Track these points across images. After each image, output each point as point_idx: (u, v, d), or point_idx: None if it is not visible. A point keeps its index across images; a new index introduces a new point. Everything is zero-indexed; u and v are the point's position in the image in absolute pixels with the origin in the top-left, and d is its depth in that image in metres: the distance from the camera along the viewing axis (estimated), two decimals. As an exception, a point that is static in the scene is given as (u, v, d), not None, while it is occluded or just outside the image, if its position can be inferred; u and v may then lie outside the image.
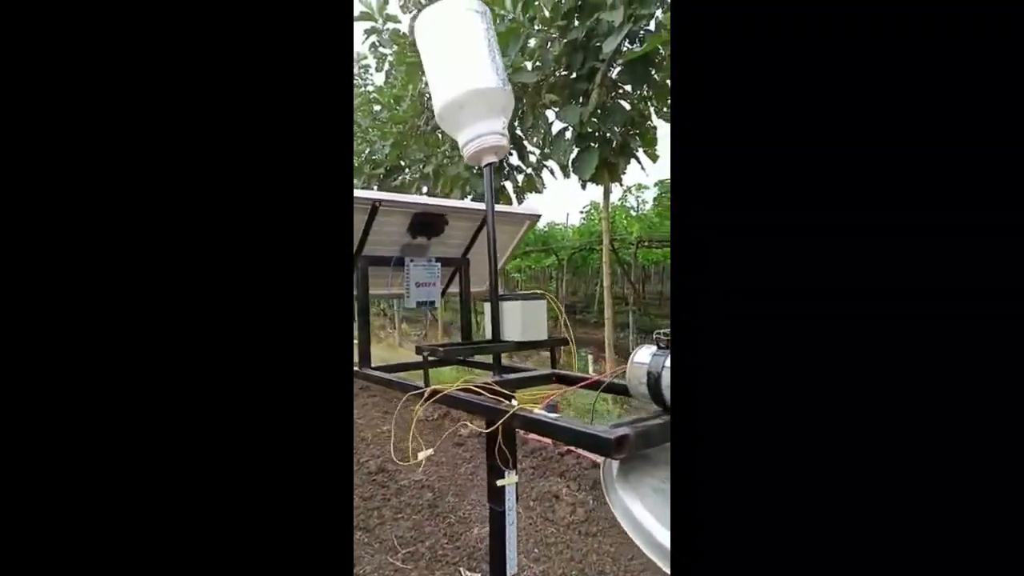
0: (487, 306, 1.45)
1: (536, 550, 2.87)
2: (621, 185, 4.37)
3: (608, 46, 3.62)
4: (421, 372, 1.29)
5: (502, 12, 4.11)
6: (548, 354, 1.45)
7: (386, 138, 5.49)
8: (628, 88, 4.29)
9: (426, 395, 1.23)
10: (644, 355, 0.93)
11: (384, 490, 3.61)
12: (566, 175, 4.61)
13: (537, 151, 5.05)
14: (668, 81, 4.02)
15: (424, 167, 5.25)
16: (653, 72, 3.92)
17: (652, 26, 3.76)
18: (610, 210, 4.95)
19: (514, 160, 4.96)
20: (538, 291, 1.39)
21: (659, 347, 0.91)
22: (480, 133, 1.33)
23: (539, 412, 0.95)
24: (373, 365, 1.59)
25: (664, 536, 0.67)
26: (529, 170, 5.09)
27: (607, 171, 4.27)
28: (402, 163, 5.91)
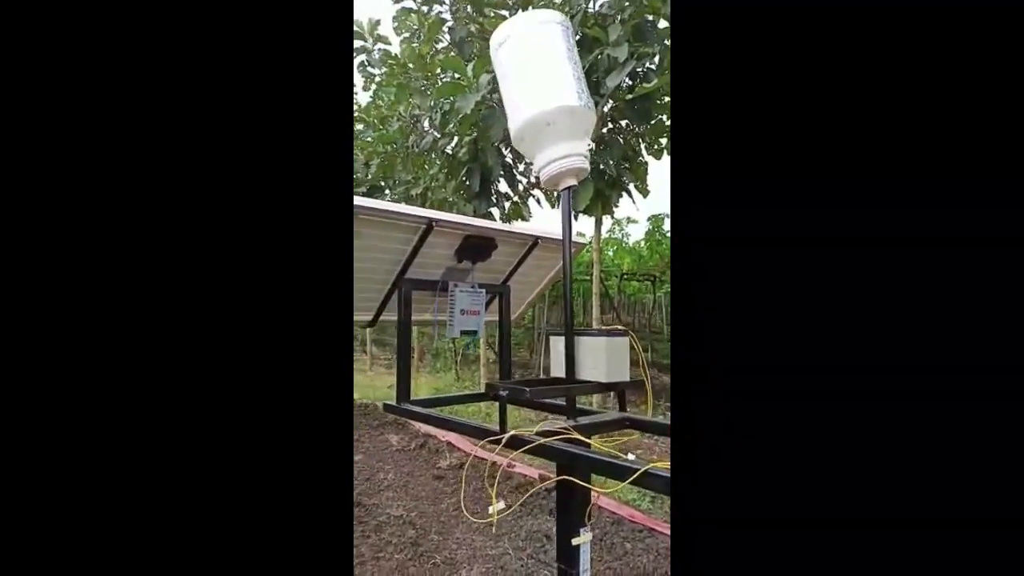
0: (554, 340, 1.33)
1: (530, 596, 2.69)
2: (612, 217, 4.38)
3: (611, 81, 3.64)
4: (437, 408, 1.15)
5: (503, 38, 4.09)
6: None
7: (369, 157, 5.33)
8: (623, 123, 4.35)
9: (504, 441, 1.09)
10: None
11: (362, 526, 3.33)
12: (553, 205, 4.59)
13: (525, 179, 5.03)
14: (664, 118, 4.10)
15: (410, 188, 5.10)
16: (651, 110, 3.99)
17: (655, 64, 3.83)
18: (601, 242, 4.95)
19: (503, 187, 4.90)
20: (618, 327, 1.28)
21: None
22: (565, 154, 1.23)
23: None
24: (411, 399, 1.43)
25: None
26: (516, 198, 5.05)
27: (600, 203, 4.27)
28: (382, 183, 5.74)
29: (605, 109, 4.14)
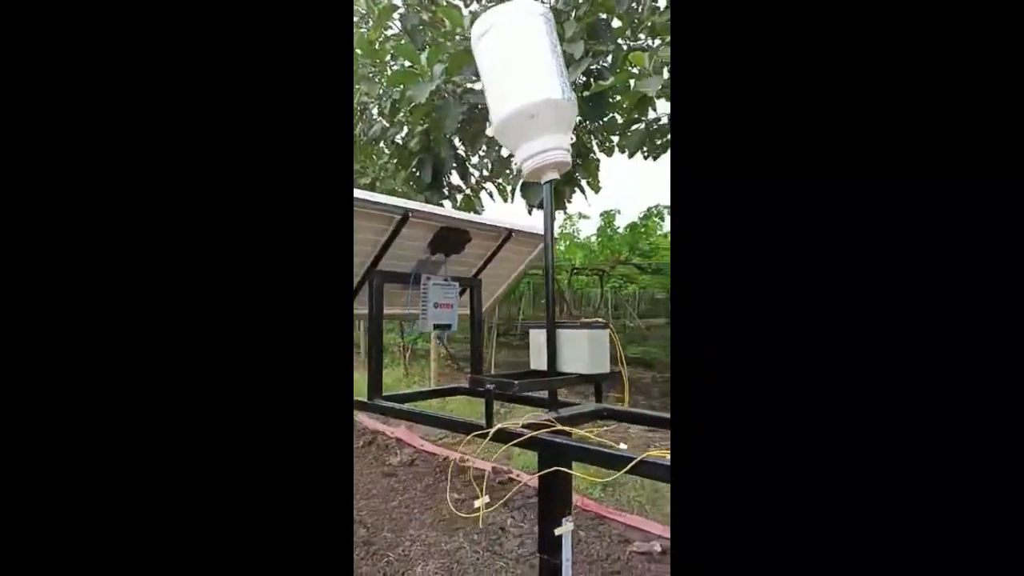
0: (534, 333, 1.33)
1: (488, 588, 2.70)
2: (565, 212, 4.44)
3: (568, 77, 3.69)
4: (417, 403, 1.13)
5: (458, 31, 4.04)
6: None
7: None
8: (578, 120, 4.41)
9: (491, 435, 1.08)
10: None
11: (311, 530, 3.22)
12: (505, 199, 4.59)
13: (478, 172, 5.00)
14: (617, 116, 4.19)
15: (358, 178, 4.95)
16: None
17: (608, 62, 3.90)
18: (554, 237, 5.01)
19: (455, 179, 4.86)
20: (598, 319, 1.30)
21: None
22: (547, 147, 1.23)
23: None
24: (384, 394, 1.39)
25: None
26: (468, 191, 5.02)
27: (554, 198, 4.32)
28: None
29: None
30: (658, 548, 2.96)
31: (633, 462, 0.88)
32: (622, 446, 0.95)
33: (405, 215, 1.38)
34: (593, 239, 9.19)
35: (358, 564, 2.85)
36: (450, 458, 4.23)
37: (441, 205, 4.88)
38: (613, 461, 0.91)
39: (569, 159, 1.28)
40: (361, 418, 5.22)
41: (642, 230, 8.53)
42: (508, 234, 1.67)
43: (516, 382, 1.12)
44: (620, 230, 8.64)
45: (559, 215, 5.32)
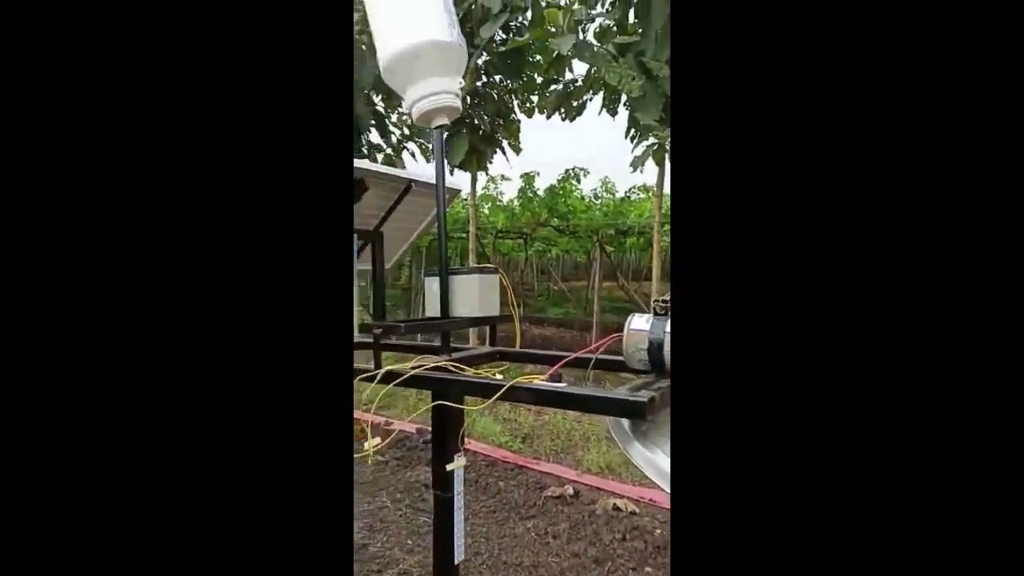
0: (428, 281, 1.34)
1: (409, 541, 2.78)
2: (487, 174, 4.43)
3: (485, 32, 3.62)
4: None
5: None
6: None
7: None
8: (497, 79, 4.36)
9: (379, 377, 1.10)
10: (642, 322, 0.95)
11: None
12: (428, 159, 4.52)
13: (399, 131, 4.86)
14: (535, 76, 4.19)
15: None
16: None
17: (527, 20, 3.86)
18: (476, 199, 4.98)
19: (375, 138, 4.71)
20: (489, 265, 1.33)
21: (656, 314, 0.94)
22: (435, 91, 1.22)
23: (546, 383, 0.91)
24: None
25: None
26: (389, 150, 4.88)
27: (475, 158, 4.29)
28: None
29: (479, 61, 4.11)
30: (571, 491, 3.15)
31: (504, 387, 0.93)
32: (498, 376, 1.00)
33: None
34: (516, 202, 9.23)
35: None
36: (375, 422, 4.24)
37: (361, 165, 4.73)
38: (487, 390, 0.96)
39: (459, 104, 1.28)
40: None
41: (560, 192, 8.65)
42: (408, 185, 1.65)
43: (402, 324, 1.13)
44: (540, 192, 8.72)
45: (481, 176, 5.30)
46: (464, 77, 3.82)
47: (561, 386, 0.90)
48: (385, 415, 4.36)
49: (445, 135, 3.88)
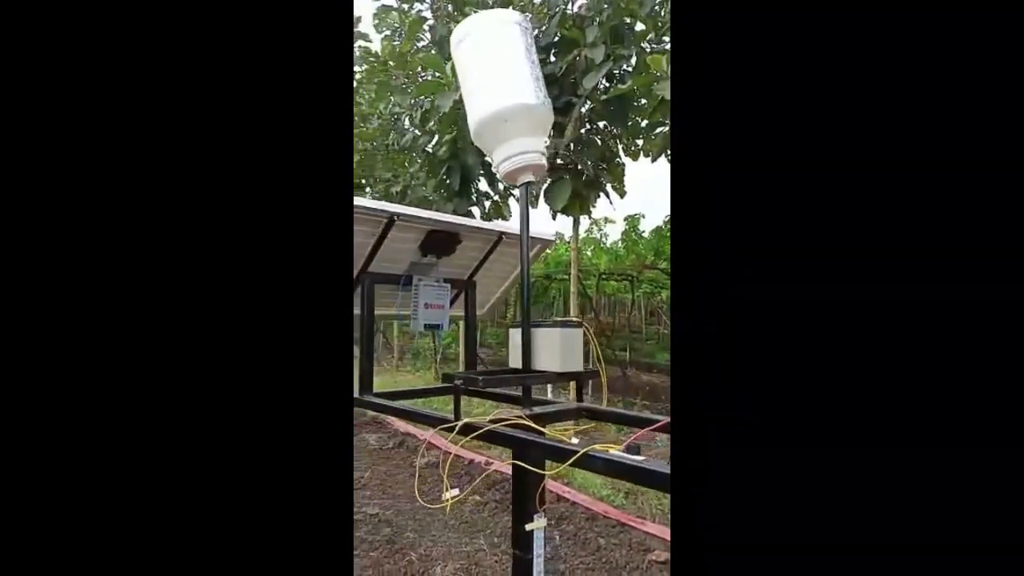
0: (512, 332, 1.36)
1: (507, 592, 2.71)
2: (590, 217, 4.41)
3: (588, 82, 3.68)
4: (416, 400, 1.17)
5: (482, 39, 4.11)
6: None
7: (348, 155, 5.31)
8: (601, 124, 4.39)
9: (457, 428, 1.11)
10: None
11: (337, 526, 3.33)
12: (535, 205, 4.62)
13: (506, 179, 5.04)
14: (640, 120, 4.15)
15: (390, 187, 5.11)
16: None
17: (631, 66, 3.88)
18: (579, 242, 4.99)
19: (483, 186, 4.93)
20: (573, 319, 1.32)
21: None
22: (522, 150, 1.27)
23: (619, 454, 0.87)
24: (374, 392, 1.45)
25: None
26: (496, 197, 5.07)
27: (578, 203, 4.31)
28: (363, 181, 5.73)
29: (583, 110, 4.18)
30: (676, 557, 2.90)
31: (577, 455, 0.89)
32: (574, 440, 0.97)
33: (391, 218, 1.44)
34: (619, 244, 9.07)
35: (381, 562, 2.93)
36: (475, 461, 4.28)
37: (470, 212, 4.97)
38: (561, 454, 0.92)
39: (544, 162, 1.30)
40: (392, 420, 5.34)
41: (667, 234, 8.38)
42: (499, 237, 1.70)
43: (482, 378, 1.14)
44: (645, 234, 8.49)
45: (584, 220, 5.29)
46: (568, 127, 3.90)
47: (638, 459, 0.84)
48: (486, 455, 4.39)
49: (548, 182, 3.93)
